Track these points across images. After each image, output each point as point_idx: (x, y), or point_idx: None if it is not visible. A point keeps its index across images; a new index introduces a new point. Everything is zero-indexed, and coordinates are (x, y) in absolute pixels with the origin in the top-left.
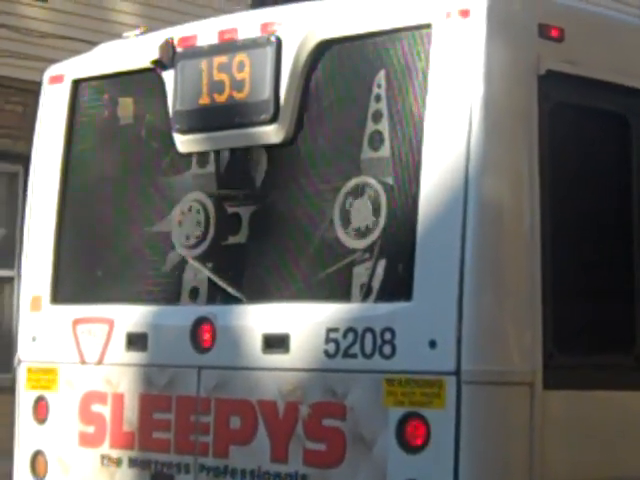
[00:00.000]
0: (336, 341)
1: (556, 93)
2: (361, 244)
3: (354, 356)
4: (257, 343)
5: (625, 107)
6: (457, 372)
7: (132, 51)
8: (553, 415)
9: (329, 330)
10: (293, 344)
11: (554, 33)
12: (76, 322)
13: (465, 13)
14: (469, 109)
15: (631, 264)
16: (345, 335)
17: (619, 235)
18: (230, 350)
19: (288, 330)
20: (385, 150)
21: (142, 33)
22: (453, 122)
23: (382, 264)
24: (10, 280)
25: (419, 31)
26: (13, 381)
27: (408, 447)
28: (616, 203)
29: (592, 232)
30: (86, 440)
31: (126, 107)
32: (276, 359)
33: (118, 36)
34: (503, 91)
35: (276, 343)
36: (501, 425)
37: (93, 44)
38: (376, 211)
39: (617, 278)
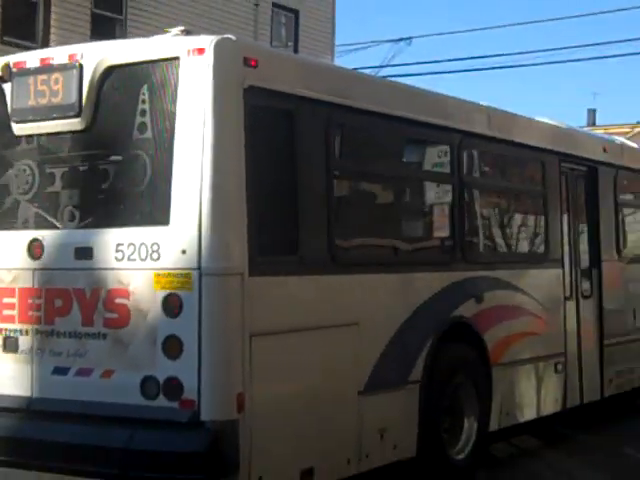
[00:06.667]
0: (123, 251)
1: (255, 100)
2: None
3: (134, 260)
4: (71, 253)
5: (296, 107)
6: (199, 268)
7: None
8: (257, 292)
9: (118, 245)
10: (95, 250)
11: (252, 62)
12: None
13: (201, 50)
14: (203, 118)
15: (295, 195)
16: (129, 247)
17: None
18: (53, 258)
19: (92, 244)
20: (149, 143)
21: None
22: (192, 131)
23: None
24: None
25: (172, 61)
26: None
27: (170, 314)
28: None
29: (281, 190)
30: None
31: None
32: (85, 264)
33: None
34: (224, 100)
35: (84, 253)
36: (225, 299)
37: None
38: (143, 173)
39: (289, 204)
